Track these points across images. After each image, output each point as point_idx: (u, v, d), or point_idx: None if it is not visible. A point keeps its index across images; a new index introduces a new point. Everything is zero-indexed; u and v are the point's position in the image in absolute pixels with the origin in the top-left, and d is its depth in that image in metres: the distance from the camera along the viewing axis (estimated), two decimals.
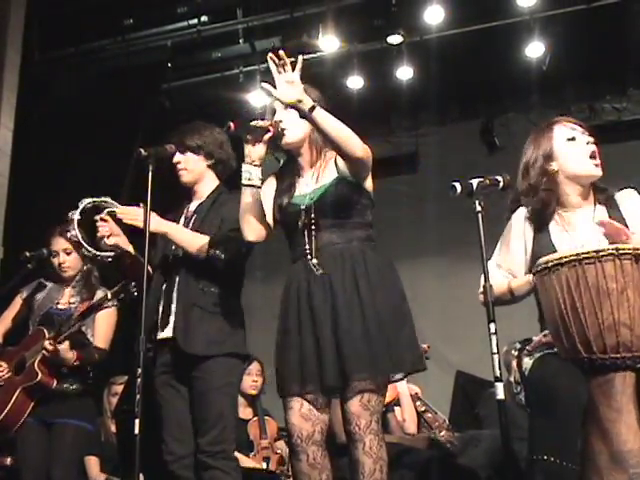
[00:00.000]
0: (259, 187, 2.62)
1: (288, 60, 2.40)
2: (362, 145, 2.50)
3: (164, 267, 3.01)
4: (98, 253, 3.03)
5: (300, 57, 2.41)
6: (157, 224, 2.89)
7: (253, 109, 5.93)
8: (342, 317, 2.45)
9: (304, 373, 2.46)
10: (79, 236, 3.04)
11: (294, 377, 2.49)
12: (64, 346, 3.39)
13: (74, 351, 3.44)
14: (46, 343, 3.37)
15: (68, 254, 3.67)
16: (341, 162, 2.58)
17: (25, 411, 3.47)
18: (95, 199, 3.04)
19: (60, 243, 3.67)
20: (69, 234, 3.11)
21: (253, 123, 2.54)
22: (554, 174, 2.54)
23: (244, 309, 3.08)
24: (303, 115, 2.42)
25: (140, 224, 2.84)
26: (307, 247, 2.55)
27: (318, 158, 2.66)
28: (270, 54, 2.42)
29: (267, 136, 2.55)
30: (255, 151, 2.58)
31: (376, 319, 2.45)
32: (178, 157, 3.08)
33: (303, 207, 2.59)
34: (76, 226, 3.03)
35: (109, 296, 3.33)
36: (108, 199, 3.04)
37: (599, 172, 2.53)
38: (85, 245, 3.04)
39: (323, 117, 2.43)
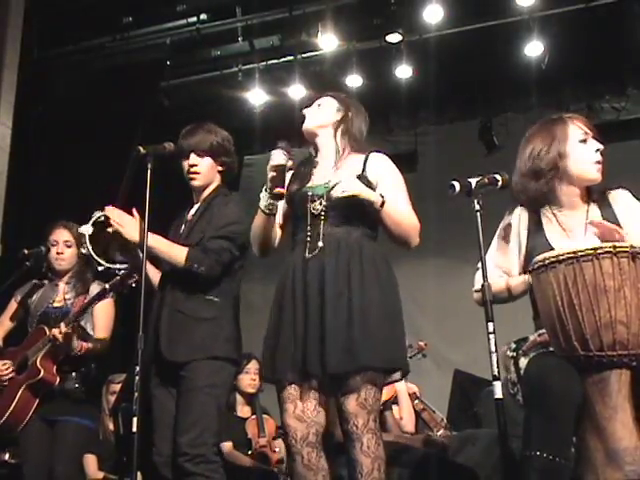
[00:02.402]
0: (274, 214, 2.67)
1: None
2: (417, 235, 2.63)
3: (163, 276, 3.00)
4: (110, 266, 3.01)
5: None
6: (137, 235, 2.84)
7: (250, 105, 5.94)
8: (329, 306, 2.47)
9: (294, 360, 2.48)
10: (91, 251, 2.99)
11: (287, 364, 2.50)
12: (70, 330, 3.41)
13: (79, 341, 3.46)
14: (55, 331, 3.37)
15: (68, 247, 3.67)
16: (373, 171, 2.64)
17: (30, 409, 3.47)
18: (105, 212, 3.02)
19: (62, 234, 3.68)
20: (82, 249, 3.07)
21: (276, 190, 2.56)
22: (559, 169, 2.54)
23: (242, 307, 3.06)
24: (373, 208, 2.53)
25: (124, 232, 2.83)
26: (309, 232, 2.58)
27: (341, 153, 2.70)
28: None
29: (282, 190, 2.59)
30: (280, 191, 2.59)
31: (362, 312, 2.46)
32: (195, 159, 3.01)
33: (315, 195, 2.62)
34: (88, 240, 2.98)
35: (107, 287, 3.34)
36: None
37: (599, 178, 2.54)
38: (98, 259, 2.99)
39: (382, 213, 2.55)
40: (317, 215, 2.60)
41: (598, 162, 2.53)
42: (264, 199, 2.63)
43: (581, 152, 2.53)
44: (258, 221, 2.68)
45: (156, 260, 3.01)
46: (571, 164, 2.53)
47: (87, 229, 3.00)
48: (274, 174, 2.55)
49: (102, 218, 2.98)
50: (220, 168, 3.08)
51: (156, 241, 2.88)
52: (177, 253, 2.86)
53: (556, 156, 2.53)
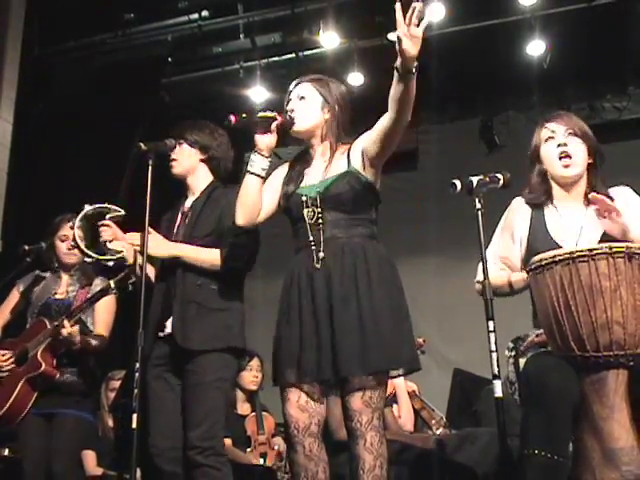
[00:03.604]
0: (262, 177, 2.62)
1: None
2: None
3: (166, 267, 3.02)
4: (99, 257, 3.01)
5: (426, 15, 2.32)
6: (168, 249, 2.91)
7: (256, 104, 5.95)
8: (338, 311, 2.46)
9: (302, 363, 2.47)
10: (79, 242, 3.04)
11: (292, 366, 2.49)
12: (76, 329, 3.41)
13: (80, 335, 3.46)
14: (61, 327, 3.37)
15: None
16: (357, 152, 2.59)
17: (29, 402, 3.47)
18: (96, 205, 3.04)
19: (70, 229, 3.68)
20: (70, 242, 3.11)
21: (260, 114, 2.58)
22: (543, 172, 2.60)
23: (245, 305, 3.08)
24: (405, 71, 2.34)
25: (154, 254, 2.88)
26: (312, 239, 2.56)
27: (330, 151, 2.66)
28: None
29: (274, 124, 2.58)
30: (263, 141, 2.59)
31: (373, 314, 2.46)
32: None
33: (309, 198, 2.60)
34: (77, 234, 3.03)
35: (112, 284, 3.34)
36: (111, 205, 3.04)
37: (568, 172, 2.55)
38: (86, 251, 3.03)
39: (414, 81, 2.39)
40: (314, 223, 2.58)
41: (561, 157, 2.53)
42: (258, 162, 2.60)
43: (546, 150, 2.58)
44: (250, 186, 2.62)
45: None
46: (545, 166, 2.59)
47: (76, 222, 3.04)
48: (259, 121, 2.57)
49: (91, 212, 3.02)
50: (202, 156, 3.11)
51: (188, 250, 2.93)
52: (211, 257, 2.91)
53: (535, 164, 2.60)
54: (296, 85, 2.73)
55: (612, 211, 2.34)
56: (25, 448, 3.53)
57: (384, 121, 2.48)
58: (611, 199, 2.49)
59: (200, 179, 3.12)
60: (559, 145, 2.54)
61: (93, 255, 3.02)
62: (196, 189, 3.11)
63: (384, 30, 5.70)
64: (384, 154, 2.57)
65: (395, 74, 2.36)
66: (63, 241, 3.68)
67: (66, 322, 3.37)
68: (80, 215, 3.05)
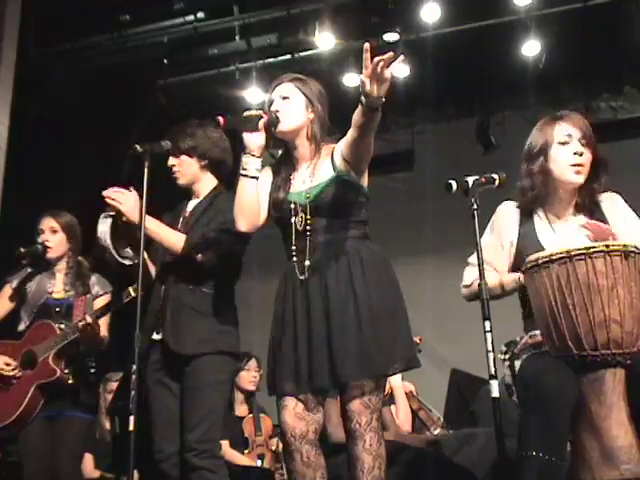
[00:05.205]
0: (256, 178, 2.60)
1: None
2: None
3: (163, 270, 3.02)
4: (125, 263, 2.99)
5: (401, 57, 2.35)
6: (138, 216, 2.83)
7: (252, 105, 5.95)
8: (335, 317, 2.45)
9: (297, 373, 2.46)
10: (109, 245, 2.95)
11: (287, 377, 2.49)
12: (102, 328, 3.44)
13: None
14: (80, 325, 3.35)
15: (54, 232, 3.64)
16: (338, 158, 2.56)
17: (37, 407, 3.42)
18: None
19: (47, 222, 3.65)
20: (100, 242, 3.04)
21: (246, 113, 2.57)
22: (548, 171, 2.55)
23: (241, 306, 3.09)
24: (371, 109, 2.34)
25: (119, 207, 2.84)
26: (299, 246, 2.55)
27: (314, 152, 2.64)
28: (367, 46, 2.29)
29: (261, 122, 2.56)
30: (252, 140, 2.57)
31: (371, 318, 2.45)
32: (172, 160, 3.09)
33: (298, 205, 2.58)
34: (108, 235, 2.95)
35: (131, 291, 3.30)
36: None
37: (578, 179, 2.53)
38: (115, 255, 2.96)
39: (378, 115, 2.39)
40: (303, 230, 2.56)
41: (575, 165, 2.51)
42: (251, 163, 2.57)
43: (559, 154, 2.53)
44: (246, 189, 2.58)
45: (153, 253, 3.02)
46: (552, 167, 2.54)
47: (104, 227, 2.96)
48: (245, 120, 2.56)
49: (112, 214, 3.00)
50: (202, 163, 3.11)
51: (156, 225, 2.91)
52: (176, 239, 2.91)
53: (542, 160, 2.55)
54: (277, 85, 2.70)
55: (607, 235, 2.33)
56: (27, 450, 3.49)
57: (348, 137, 2.49)
58: (603, 221, 2.50)
59: (205, 184, 3.13)
60: (575, 153, 2.51)
61: (120, 260, 2.98)
62: (200, 193, 3.13)
63: (380, 31, 5.71)
64: (360, 161, 2.56)
65: (360, 107, 2.36)
66: (39, 235, 3.64)
67: (89, 318, 3.37)
68: (109, 216, 3.00)
